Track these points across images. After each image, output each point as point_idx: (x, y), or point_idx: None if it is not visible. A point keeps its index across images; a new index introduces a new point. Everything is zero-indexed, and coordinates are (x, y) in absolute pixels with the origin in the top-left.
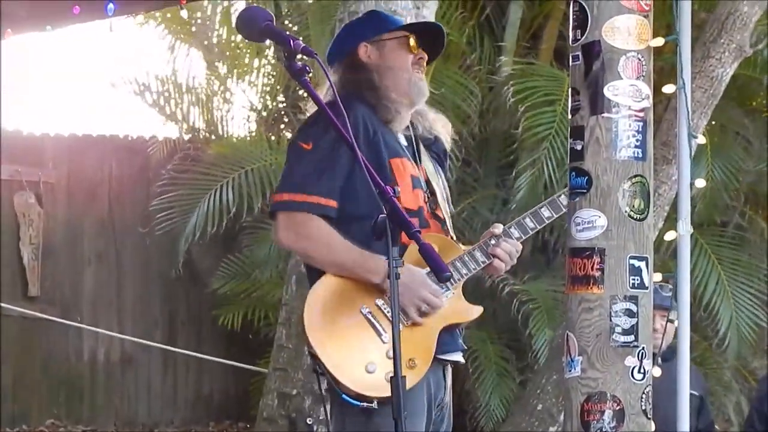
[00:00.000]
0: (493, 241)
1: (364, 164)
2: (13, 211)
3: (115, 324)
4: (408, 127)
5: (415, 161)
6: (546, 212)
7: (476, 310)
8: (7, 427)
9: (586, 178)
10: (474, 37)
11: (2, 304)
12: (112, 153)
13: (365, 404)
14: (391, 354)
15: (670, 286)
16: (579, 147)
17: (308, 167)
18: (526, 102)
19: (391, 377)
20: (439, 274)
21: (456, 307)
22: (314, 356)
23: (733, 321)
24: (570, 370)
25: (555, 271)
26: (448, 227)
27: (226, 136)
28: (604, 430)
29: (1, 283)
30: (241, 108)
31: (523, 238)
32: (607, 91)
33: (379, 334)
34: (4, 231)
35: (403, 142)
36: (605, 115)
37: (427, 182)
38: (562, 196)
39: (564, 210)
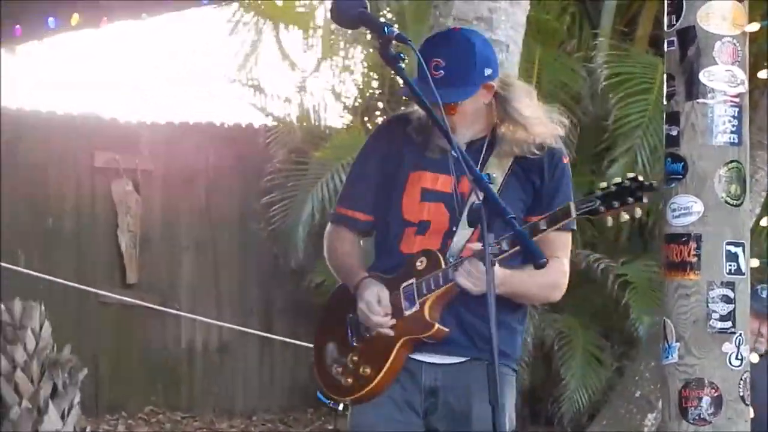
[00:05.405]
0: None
1: (458, 149)
2: (110, 199)
3: (213, 312)
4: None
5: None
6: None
7: (438, 330)
8: (107, 414)
9: (682, 164)
10: (573, 23)
11: (101, 292)
12: (208, 141)
13: (331, 403)
14: (350, 361)
15: None
16: (675, 133)
17: (347, 178)
18: (619, 88)
19: (488, 364)
20: (535, 261)
21: (415, 323)
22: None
23: None
24: (667, 357)
25: (653, 254)
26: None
27: (316, 123)
28: (702, 416)
29: (99, 271)
30: (334, 96)
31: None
32: (703, 77)
33: (350, 341)
34: (102, 219)
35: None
36: (701, 100)
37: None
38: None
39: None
